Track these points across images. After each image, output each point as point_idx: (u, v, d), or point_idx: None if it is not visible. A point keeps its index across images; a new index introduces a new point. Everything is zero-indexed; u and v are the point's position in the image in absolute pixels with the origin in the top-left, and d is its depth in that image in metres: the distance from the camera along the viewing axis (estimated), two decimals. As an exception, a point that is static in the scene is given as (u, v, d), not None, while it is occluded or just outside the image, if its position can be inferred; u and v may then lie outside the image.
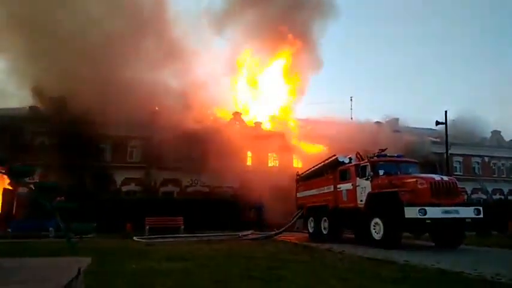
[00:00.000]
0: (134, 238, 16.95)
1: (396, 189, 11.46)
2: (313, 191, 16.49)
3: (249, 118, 32.35)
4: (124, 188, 28.01)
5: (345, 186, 14.03)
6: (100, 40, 24.21)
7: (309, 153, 27.84)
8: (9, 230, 20.57)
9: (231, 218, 23.21)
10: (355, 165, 13.89)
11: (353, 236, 15.60)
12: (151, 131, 26.23)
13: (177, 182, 29.12)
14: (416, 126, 34.24)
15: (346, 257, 9.67)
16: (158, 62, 27.00)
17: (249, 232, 18.72)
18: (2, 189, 27.00)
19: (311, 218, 16.56)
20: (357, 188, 13.27)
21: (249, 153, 30.09)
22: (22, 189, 20.88)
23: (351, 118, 36.84)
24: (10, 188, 26.12)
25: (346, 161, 14.72)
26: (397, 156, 14.13)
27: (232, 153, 25.25)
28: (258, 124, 31.52)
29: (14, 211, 25.86)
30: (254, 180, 24.10)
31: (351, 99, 41.09)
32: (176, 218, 20.92)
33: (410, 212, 10.66)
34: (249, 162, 30.31)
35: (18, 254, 8.22)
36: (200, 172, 26.20)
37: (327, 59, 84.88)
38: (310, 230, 16.59)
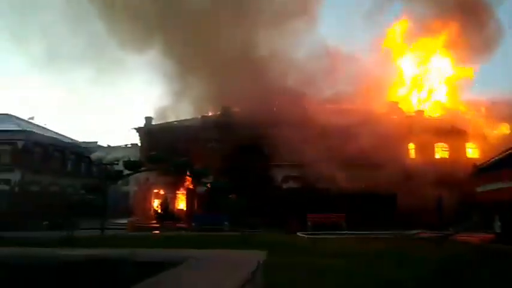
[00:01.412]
0: (298, 233, 17.49)
1: None
2: (500, 184, 13.89)
3: (408, 105, 29.74)
4: (284, 185, 29.32)
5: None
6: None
7: (488, 140, 23.74)
8: (193, 224, 23.92)
9: (394, 215, 21.67)
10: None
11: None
12: (300, 129, 26.66)
13: (333, 178, 28.83)
14: None
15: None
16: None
17: (418, 231, 17.07)
18: (186, 190, 31.77)
19: (497, 216, 13.98)
20: None
21: (411, 145, 27.48)
22: (201, 189, 23.93)
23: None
24: (192, 188, 30.50)
25: (545, 145, 11.91)
26: None
27: (391, 146, 23.52)
28: (419, 112, 28.60)
29: (195, 208, 30.05)
30: (419, 174, 21.88)
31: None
32: (337, 215, 20.75)
33: None
34: (412, 155, 27.69)
35: (203, 245, 9.32)
36: (356, 167, 25.26)
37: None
38: (497, 230, 14.01)
